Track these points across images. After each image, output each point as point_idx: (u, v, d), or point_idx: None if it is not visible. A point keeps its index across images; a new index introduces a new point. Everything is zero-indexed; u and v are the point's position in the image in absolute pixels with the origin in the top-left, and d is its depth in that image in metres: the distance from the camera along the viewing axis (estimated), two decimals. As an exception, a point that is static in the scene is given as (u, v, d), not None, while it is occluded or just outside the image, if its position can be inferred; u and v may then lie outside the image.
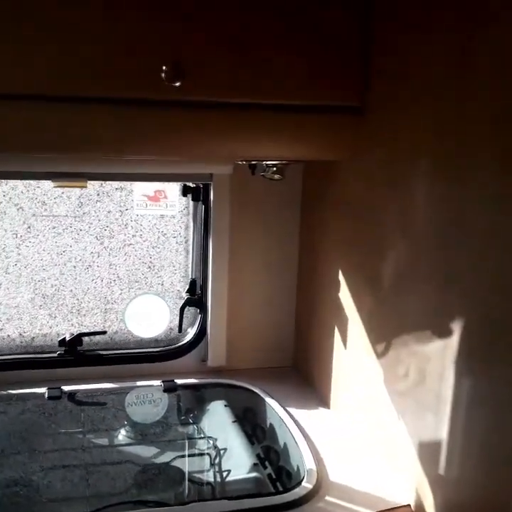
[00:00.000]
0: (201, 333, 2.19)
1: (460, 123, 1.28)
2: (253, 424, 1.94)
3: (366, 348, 1.69)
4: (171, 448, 1.90)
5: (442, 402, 1.34)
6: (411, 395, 1.49)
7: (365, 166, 1.69)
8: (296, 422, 1.84)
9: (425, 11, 1.39)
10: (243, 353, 2.20)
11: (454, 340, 1.30)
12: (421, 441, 1.45)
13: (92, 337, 2.17)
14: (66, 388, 2.00)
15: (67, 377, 2.06)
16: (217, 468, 1.78)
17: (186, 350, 2.19)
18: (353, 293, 1.78)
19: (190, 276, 2.22)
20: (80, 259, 2.16)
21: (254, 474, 1.65)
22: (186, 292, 2.20)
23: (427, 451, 1.42)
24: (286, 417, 1.86)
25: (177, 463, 1.81)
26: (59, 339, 2.11)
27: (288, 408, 1.92)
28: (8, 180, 2.02)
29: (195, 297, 2.19)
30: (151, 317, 2.18)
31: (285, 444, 1.78)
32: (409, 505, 1.47)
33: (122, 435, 1.95)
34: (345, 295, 1.82)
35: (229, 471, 1.73)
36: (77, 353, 2.10)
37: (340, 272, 1.84)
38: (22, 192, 2.06)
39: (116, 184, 2.12)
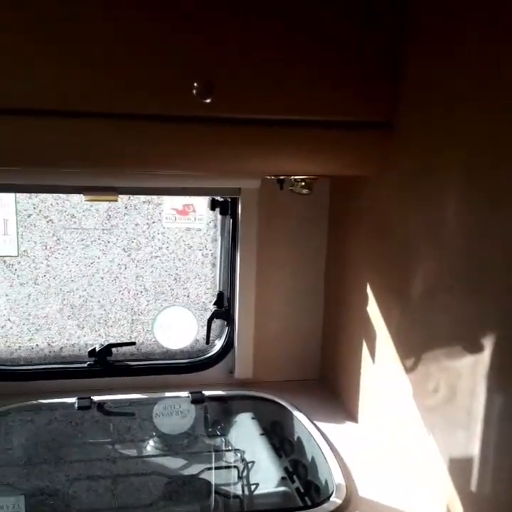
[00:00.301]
0: (228, 345, 2.21)
1: (493, 135, 1.27)
2: (281, 437, 1.93)
3: (395, 362, 1.68)
4: (199, 460, 1.91)
5: (473, 419, 1.33)
6: (441, 411, 1.48)
7: (394, 180, 1.69)
8: (324, 435, 1.83)
9: (456, 22, 1.39)
10: (270, 366, 2.21)
11: (486, 355, 1.29)
12: (452, 458, 1.44)
13: (119, 348, 2.19)
14: (95, 398, 2.02)
15: (96, 387, 2.09)
16: (245, 482, 1.78)
17: (213, 362, 2.21)
18: (381, 306, 1.78)
19: (217, 289, 2.24)
20: (108, 271, 2.19)
21: (282, 488, 1.65)
22: (214, 304, 2.22)
23: (458, 468, 1.41)
24: (314, 430, 1.86)
25: (205, 475, 1.81)
26: (89, 350, 2.15)
27: (315, 421, 1.92)
28: (39, 194, 2.06)
29: (223, 309, 2.21)
30: (179, 329, 2.20)
31: (313, 458, 1.77)
32: (439, 521, 1.46)
33: (150, 446, 1.97)
34: (373, 308, 1.81)
35: (257, 484, 1.73)
36: (106, 364, 2.13)
37: (368, 285, 1.84)
38: (51, 205, 2.11)
39: (143, 197, 2.15)
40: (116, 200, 1.98)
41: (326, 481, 1.64)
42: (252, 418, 2.00)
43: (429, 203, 1.54)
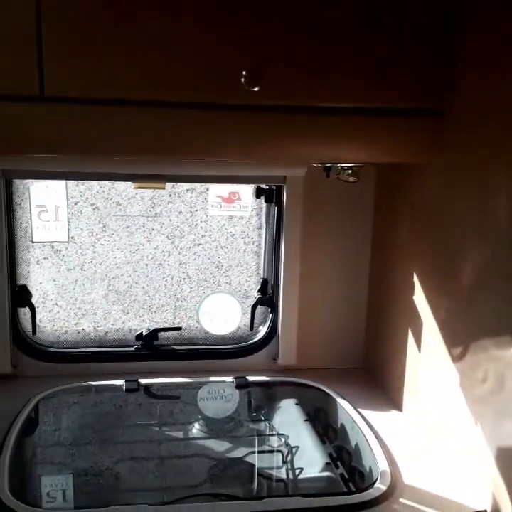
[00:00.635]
0: (272, 332, 2.23)
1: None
2: (324, 424, 1.95)
3: (441, 351, 1.68)
4: (243, 444, 1.94)
5: (523, 409, 1.33)
6: (489, 401, 1.47)
7: (442, 168, 1.67)
8: (368, 423, 1.84)
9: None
10: (313, 353, 2.22)
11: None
12: (499, 448, 1.43)
13: (164, 332, 2.23)
14: (143, 381, 2.07)
15: (142, 370, 2.14)
16: (289, 466, 1.80)
17: (257, 348, 2.24)
18: (427, 295, 1.77)
19: (261, 276, 2.26)
20: (152, 258, 2.23)
21: (327, 473, 1.66)
22: (257, 292, 2.24)
23: (506, 458, 1.40)
24: (358, 418, 1.87)
25: (249, 458, 1.84)
26: (135, 334, 2.20)
27: (359, 409, 1.92)
28: (85, 181, 2.11)
29: (267, 297, 2.23)
30: (223, 315, 2.23)
31: (357, 444, 1.78)
32: (485, 510, 1.45)
33: (196, 429, 2.00)
34: (419, 297, 1.81)
35: (301, 469, 1.75)
36: (153, 348, 2.18)
37: (414, 274, 1.83)
38: (97, 192, 2.15)
39: (187, 185, 2.18)
40: (164, 188, 2.02)
41: (370, 468, 1.65)
42: (296, 404, 2.01)
43: (477, 192, 1.52)
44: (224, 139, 1.56)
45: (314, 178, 2.02)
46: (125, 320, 2.25)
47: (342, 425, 1.91)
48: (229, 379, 2.12)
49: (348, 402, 1.97)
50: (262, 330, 2.25)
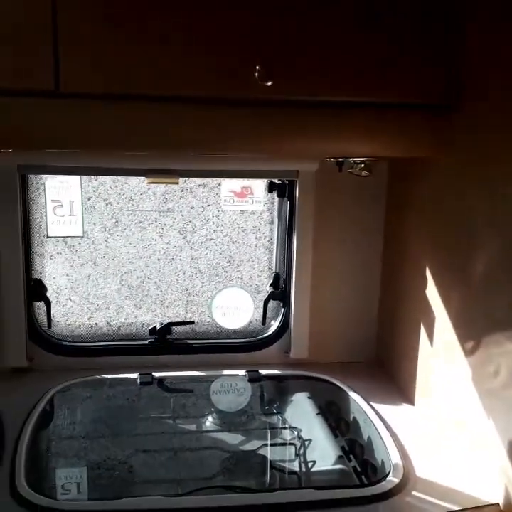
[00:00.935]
0: (284, 326, 2.24)
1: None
2: (337, 417, 1.96)
3: (454, 345, 1.68)
4: (256, 436, 1.95)
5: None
6: (501, 395, 1.48)
7: (455, 162, 1.68)
8: (380, 416, 1.85)
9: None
10: (325, 347, 2.23)
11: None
12: (511, 441, 1.44)
13: (175, 327, 2.24)
14: (156, 374, 2.09)
15: (155, 364, 2.16)
16: (302, 459, 1.81)
17: (270, 342, 2.25)
18: (440, 289, 1.77)
19: (274, 271, 2.27)
20: (164, 253, 2.24)
21: (339, 466, 1.67)
22: (270, 286, 2.25)
23: (519, 451, 1.41)
24: (370, 411, 1.88)
25: (262, 451, 1.86)
26: (150, 328, 2.21)
27: (371, 403, 1.93)
28: (98, 177, 2.12)
29: (279, 291, 2.24)
30: (235, 309, 2.25)
31: (369, 438, 1.79)
32: (497, 503, 1.46)
33: (209, 422, 2.02)
34: (432, 291, 1.81)
35: (314, 461, 1.76)
36: (166, 342, 2.20)
37: (427, 269, 1.84)
38: (110, 187, 2.16)
39: (199, 181, 2.19)
40: (177, 183, 2.03)
41: (383, 461, 1.66)
42: (308, 397, 2.02)
43: (489, 185, 1.53)
44: (236, 134, 1.57)
45: (326, 173, 2.03)
46: (138, 314, 2.26)
47: (354, 419, 1.92)
48: (241, 373, 2.14)
49: (360, 395, 1.98)
50: (274, 324, 2.27)
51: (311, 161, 2.02)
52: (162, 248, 2.24)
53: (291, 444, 1.91)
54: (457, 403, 1.68)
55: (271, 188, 2.16)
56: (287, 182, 2.13)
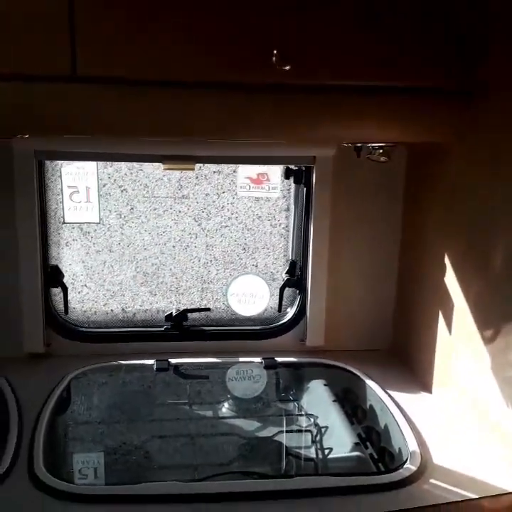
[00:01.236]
0: (300, 314, 2.23)
1: None
2: (353, 405, 1.96)
3: (473, 333, 1.67)
4: (272, 423, 1.96)
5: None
6: (521, 383, 1.47)
7: (475, 148, 1.66)
8: (397, 404, 1.84)
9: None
10: (341, 334, 2.23)
11: None
12: (531, 430, 1.43)
13: (191, 313, 2.24)
14: (173, 361, 2.10)
15: (171, 350, 2.16)
16: (318, 446, 1.81)
17: (285, 329, 2.24)
18: (459, 277, 1.76)
19: (289, 258, 2.26)
20: (179, 240, 2.24)
21: (356, 453, 1.67)
22: (286, 273, 2.24)
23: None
24: (387, 399, 1.87)
25: (279, 438, 1.86)
26: (166, 314, 2.22)
27: (388, 390, 1.92)
28: (113, 163, 2.12)
29: (295, 278, 2.23)
30: (251, 296, 2.24)
31: (386, 425, 1.79)
32: (516, 492, 1.46)
33: (225, 408, 2.03)
34: (450, 279, 1.79)
35: (330, 448, 1.77)
36: (182, 328, 2.20)
37: (445, 256, 1.82)
38: (125, 174, 2.16)
39: (214, 167, 2.18)
40: (193, 169, 2.03)
41: (400, 449, 1.65)
42: (325, 385, 2.02)
43: (509, 171, 1.50)
44: (255, 120, 1.56)
45: (344, 159, 2.01)
46: (153, 301, 2.27)
47: (371, 406, 1.92)
48: (257, 360, 2.14)
49: (377, 383, 1.97)
50: (290, 311, 2.26)
51: (329, 146, 2.01)
52: (177, 235, 2.23)
53: (307, 431, 1.91)
54: (475, 391, 1.67)
55: (287, 174, 2.14)
56: (304, 168, 2.11)
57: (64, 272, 2.17)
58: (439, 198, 1.89)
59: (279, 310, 2.25)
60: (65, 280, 2.16)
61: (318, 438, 1.84)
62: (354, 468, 1.64)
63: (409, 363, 2.12)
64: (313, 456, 1.80)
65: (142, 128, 1.53)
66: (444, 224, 1.87)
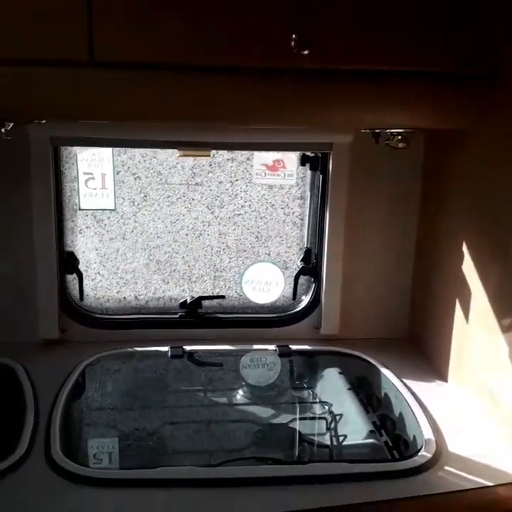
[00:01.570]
0: (315, 302, 2.23)
1: None
2: (368, 393, 1.95)
3: (490, 321, 1.65)
4: (287, 410, 1.96)
5: None
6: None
7: (495, 134, 1.64)
8: (412, 392, 1.84)
9: None
10: (356, 323, 2.22)
11: None
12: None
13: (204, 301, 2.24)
14: (187, 348, 2.10)
15: (185, 337, 2.16)
16: (333, 433, 1.81)
17: (300, 317, 2.24)
18: (477, 266, 1.74)
19: (303, 246, 2.25)
20: (192, 228, 2.24)
21: (371, 440, 1.67)
22: (301, 261, 2.24)
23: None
24: (402, 387, 1.87)
25: (294, 425, 1.87)
26: (180, 301, 2.22)
27: (403, 379, 1.92)
28: (127, 151, 2.12)
29: (310, 266, 2.23)
30: (266, 284, 2.24)
31: (401, 413, 1.78)
32: (531, 480, 1.45)
33: (240, 395, 2.03)
34: (468, 268, 1.78)
35: (345, 436, 1.76)
36: (197, 315, 2.20)
37: (463, 244, 1.80)
38: (139, 162, 2.15)
39: (227, 155, 2.17)
40: (209, 156, 2.02)
41: (415, 436, 1.65)
42: (339, 373, 2.02)
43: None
44: (272, 104, 1.54)
45: (361, 145, 1.99)
46: (165, 289, 2.27)
47: (386, 394, 1.91)
48: (272, 347, 2.14)
49: (392, 371, 1.97)
50: (305, 299, 2.25)
51: (346, 133, 1.99)
52: (190, 223, 2.23)
53: (322, 418, 1.91)
54: (492, 380, 1.66)
55: (303, 161, 2.13)
56: (320, 155, 2.10)
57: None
58: (458, 186, 1.88)
59: (294, 298, 2.25)
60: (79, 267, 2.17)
61: (332, 425, 1.85)
62: (369, 455, 1.65)
63: (425, 351, 2.11)
64: (328, 443, 1.80)
65: (160, 113, 1.53)
66: (462, 212, 1.85)
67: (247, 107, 1.54)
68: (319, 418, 1.91)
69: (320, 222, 2.16)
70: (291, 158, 2.16)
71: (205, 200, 2.21)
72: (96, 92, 1.46)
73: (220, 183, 2.20)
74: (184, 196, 2.20)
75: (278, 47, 1.42)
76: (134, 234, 2.21)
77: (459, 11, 1.51)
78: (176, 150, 2.00)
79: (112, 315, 2.22)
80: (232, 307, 2.29)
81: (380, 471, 1.48)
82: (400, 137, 1.76)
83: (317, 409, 1.97)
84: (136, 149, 2.11)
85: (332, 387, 1.99)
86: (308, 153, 2.12)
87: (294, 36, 1.40)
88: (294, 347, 2.14)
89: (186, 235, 2.24)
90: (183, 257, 2.25)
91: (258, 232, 2.27)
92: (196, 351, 2.12)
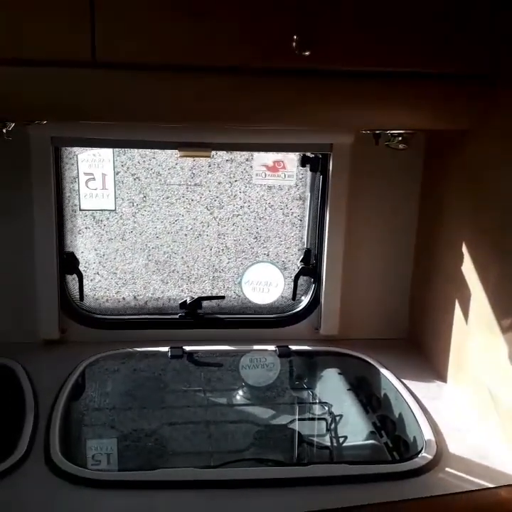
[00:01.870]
0: (315, 302, 2.23)
1: None
2: (368, 394, 1.95)
3: (490, 321, 1.66)
4: (287, 411, 1.96)
5: None
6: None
7: (496, 134, 1.64)
8: (412, 393, 1.84)
9: None
10: (356, 323, 2.22)
11: None
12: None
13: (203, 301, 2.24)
14: (187, 348, 2.10)
15: (185, 338, 2.16)
16: (333, 434, 1.81)
17: (299, 318, 2.24)
18: (476, 266, 1.75)
19: (305, 246, 2.25)
20: (191, 228, 2.23)
21: (371, 441, 1.67)
22: (300, 261, 2.24)
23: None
24: (401, 388, 1.87)
25: (293, 425, 1.86)
26: (180, 302, 2.22)
27: (403, 379, 1.92)
28: (126, 151, 2.11)
29: (310, 267, 2.23)
30: (266, 285, 2.24)
31: (401, 414, 1.79)
32: (532, 482, 1.45)
33: (239, 396, 2.03)
34: (468, 268, 1.78)
35: (345, 437, 1.76)
36: (197, 316, 2.20)
37: (463, 244, 1.81)
38: (138, 162, 2.15)
39: (226, 156, 2.17)
40: (209, 157, 2.02)
41: (415, 438, 1.65)
42: (339, 373, 2.02)
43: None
44: (274, 105, 1.54)
45: (361, 146, 1.99)
46: (164, 290, 2.27)
47: (385, 395, 1.91)
48: (272, 348, 2.14)
49: (392, 372, 1.97)
50: (305, 300, 2.25)
51: (347, 133, 1.99)
52: (189, 224, 2.23)
53: (322, 419, 1.91)
54: (491, 380, 1.67)
55: (304, 161, 2.13)
56: (320, 156, 2.10)
57: (77, 259, 2.17)
58: (457, 186, 1.88)
59: (294, 298, 2.25)
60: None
61: (332, 426, 1.84)
62: (369, 457, 1.64)
63: (425, 352, 2.11)
64: (328, 444, 1.79)
65: (161, 113, 1.53)
66: (461, 212, 1.85)
67: (247, 107, 1.54)
68: (319, 419, 1.91)
69: (320, 223, 2.16)
70: (292, 159, 2.16)
71: (204, 200, 2.21)
72: (98, 92, 1.46)
73: (219, 183, 2.20)
74: (183, 197, 2.20)
75: (278, 47, 1.42)
76: (133, 234, 2.21)
77: (459, 10, 1.51)
78: (176, 151, 1.99)
79: (112, 315, 2.21)
80: (231, 308, 2.29)
81: (381, 472, 1.49)
82: (400, 138, 1.76)
83: (317, 409, 1.97)
84: (136, 150, 2.11)
85: (332, 387, 2.00)
86: (309, 154, 2.11)
87: (295, 37, 1.40)
88: (293, 347, 2.14)
89: (185, 235, 2.23)
90: (182, 258, 2.25)
91: (257, 232, 2.27)
92: (196, 352, 2.12)
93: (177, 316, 2.21)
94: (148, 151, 2.12)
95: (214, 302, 2.27)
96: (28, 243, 2.01)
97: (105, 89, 1.45)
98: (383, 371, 1.98)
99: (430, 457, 1.52)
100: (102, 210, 2.15)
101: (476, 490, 1.43)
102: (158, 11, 1.41)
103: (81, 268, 2.17)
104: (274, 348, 2.13)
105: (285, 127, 1.86)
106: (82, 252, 2.18)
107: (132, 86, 1.46)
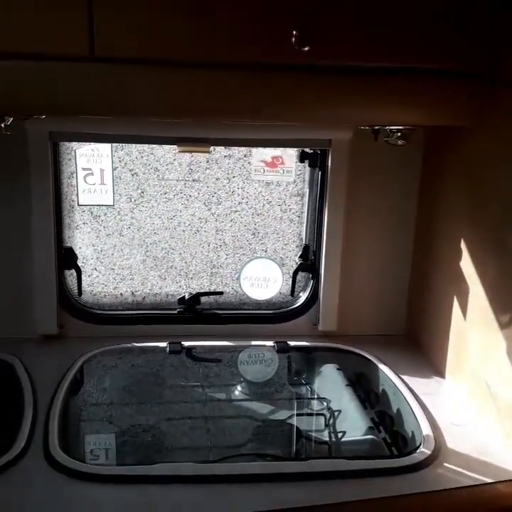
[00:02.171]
0: (313, 298, 2.23)
1: None
2: (366, 389, 1.95)
3: (488, 317, 1.66)
4: (285, 406, 1.97)
5: None
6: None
7: (494, 131, 1.64)
8: (410, 389, 1.84)
9: None
10: (354, 319, 2.22)
11: None
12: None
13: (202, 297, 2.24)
14: (186, 343, 2.10)
15: (184, 333, 2.16)
16: (331, 429, 1.82)
17: (297, 313, 2.24)
18: (475, 262, 1.75)
19: (303, 242, 2.25)
20: (189, 224, 2.23)
21: (370, 437, 1.68)
22: (299, 257, 2.24)
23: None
24: (400, 383, 1.87)
25: (292, 421, 1.87)
26: (179, 297, 2.22)
27: (401, 375, 1.93)
28: (123, 147, 2.11)
29: (308, 262, 2.23)
30: (265, 281, 2.24)
31: (399, 409, 1.79)
32: (530, 477, 1.46)
33: (238, 391, 2.04)
34: (466, 264, 1.79)
35: (344, 432, 1.77)
36: (195, 311, 2.20)
37: (461, 240, 1.81)
38: (136, 158, 2.14)
39: (224, 152, 2.16)
40: (208, 152, 2.01)
41: (413, 433, 1.65)
42: (337, 369, 2.02)
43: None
44: (272, 101, 1.53)
45: (360, 142, 1.99)
46: (162, 285, 2.26)
47: (384, 391, 1.92)
48: (270, 343, 2.14)
49: (390, 367, 1.97)
50: (303, 296, 2.25)
51: (345, 129, 1.99)
52: (187, 219, 2.22)
53: (320, 414, 1.91)
54: (490, 376, 1.67)
55: (302, 157, 2.13)
56: (319, 151, 2.10)
57: (75, 255, 2.17)
58: (456, 182, 1.88)
59: (292, 294, 2.25)
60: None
61: (331, 421, 1.85)
62: (367, 452, 1.65)
63: (423, 348, 2.12)
64: (327, 439, 1.80)
65: (160, 109, 1.51)
66: (460, 208, 1.85)
67: (247, 103, 1.53)
68: (317, 414, 1.91)
69: (318, 219, 2.16)
70: (290, 154, 2.15)
71: (202, 196, 2.21)
72: (96, 87, 1.45)
73: (217, 179, 2.20)
74: (181, 193, 2.20)
75: (278, 43, 1.41)
76: (130, 230, 2.20)
77: (459, 10, 1.50)
78: (174, 146, 1.99)
79: (110, 311, 2.21)
80: (229, 303, 2.29)
81: (379, 467, 1.49)
82: (399, 134, 1.75)
83: (315, 405, 1.97)
84: (133, 145, 2.10)
85: (330, 383, 2.00)
86: (307, 150, 2.11)
87: (294, 32, 1.39)
88: (292, 343, 2.14)
89: (183, 231, 2.23)
90: (180, 254, 2.25)
91: (255, 228, 2.26)
92: (194, 347, 2.12)
93: (175, 312, 2.21)
94: (146, 147, 2.12)
95: (212, 298, 2.27)
96: (26, 238, 2.00)
97: (104, 83, 1.44)
98: (382, 367, 1.98)
99: (429, 452, 1.53)
100: (99, 205, 2.15)
101: (474, 485, 1.44)
102: (157, 5, 1.40)
103: (79, 263, 2.16)
104: (272, 344, 2.13)
105: (284, 123, 1.85)
106: (80, 248, 2.18)
107: (131, 81, 1.44)
